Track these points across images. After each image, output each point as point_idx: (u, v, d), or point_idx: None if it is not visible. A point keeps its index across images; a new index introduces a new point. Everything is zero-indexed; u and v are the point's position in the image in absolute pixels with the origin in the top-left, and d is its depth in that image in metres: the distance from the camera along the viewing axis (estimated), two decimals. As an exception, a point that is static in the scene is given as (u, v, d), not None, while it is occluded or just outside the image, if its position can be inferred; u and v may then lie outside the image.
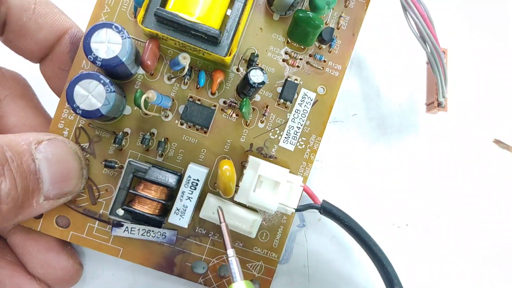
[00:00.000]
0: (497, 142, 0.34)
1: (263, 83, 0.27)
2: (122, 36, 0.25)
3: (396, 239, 0.34)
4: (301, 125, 0.30)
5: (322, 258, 0.34)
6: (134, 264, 0.30)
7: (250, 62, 0.29)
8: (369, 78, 0.35)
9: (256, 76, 0.27)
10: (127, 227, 0.29)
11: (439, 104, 0.31)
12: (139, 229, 0.29)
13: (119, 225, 0.29)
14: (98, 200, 0.29)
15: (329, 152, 0.34)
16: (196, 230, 0.30)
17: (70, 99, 0.25)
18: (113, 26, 0.25)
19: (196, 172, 0.27)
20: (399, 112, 0.35)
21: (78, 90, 0.26)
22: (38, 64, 0.30)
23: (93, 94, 0.26)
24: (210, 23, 0.26)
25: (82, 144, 0.29)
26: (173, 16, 0.26)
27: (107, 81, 0.26)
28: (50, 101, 0.31)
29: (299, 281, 0.34)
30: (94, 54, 0.25)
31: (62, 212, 0.29)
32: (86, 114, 0.26)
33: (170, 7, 0.26)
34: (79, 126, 0.29)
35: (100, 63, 0.25)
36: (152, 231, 0.29)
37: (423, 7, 0.28)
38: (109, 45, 0.25)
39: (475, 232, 0.35)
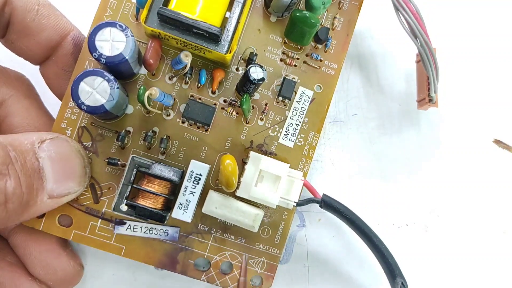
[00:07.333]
0: (497, 142, 0.34)
1: (262, 79, 0.28)
2: (126, 35, 0.26)
3: (396, 239, 0.34)
4: (300, 122, 0.31)
5: (322, 258, 0.34)
6: (135, 263, 0.30)
7: (249, 62, 0.30)
8: (369, 78, 0.35)
9: (256, 72, 0.28)
10: (129, 225, 0.29)
11: (430, 100, 0.32)
12: (141, 227, 0.29)
13: (121, 223, 0.29)
14: (101, 198, 0.29)
15: (329, 152, 0.35)
16: (199, 227, 0.30)
17: (75, 95, 0.26)
18: (117, 25, 0.26)
19: (199, 167, 0.28)
20: (399, 112, 0.35)
21: (83, 86, 0.26)
22: (36, 67, 0.31)
23: (97, 91, 0.26)
24: (211, 21, 0.27)
25: (84, 143, 0.29)
26: (175, 14, 0.27)
27: (111, 77, 0.26)
28: (47, 103, 0.31)
29: (299, 281, 0.34)
30: (98, 52, 0.26)
31: (65, 211, 0.29)
32: (90, 110, 0.26)
33: (172, 7, 0.27)
34: (82, 125, 0.29)
35: (104, 60, 0.26)
36: (155, 228, 0.29)
37: (414, 6, 0.29)
38: (113, 43, 0.26)
39: (475, 232, 0.35)
